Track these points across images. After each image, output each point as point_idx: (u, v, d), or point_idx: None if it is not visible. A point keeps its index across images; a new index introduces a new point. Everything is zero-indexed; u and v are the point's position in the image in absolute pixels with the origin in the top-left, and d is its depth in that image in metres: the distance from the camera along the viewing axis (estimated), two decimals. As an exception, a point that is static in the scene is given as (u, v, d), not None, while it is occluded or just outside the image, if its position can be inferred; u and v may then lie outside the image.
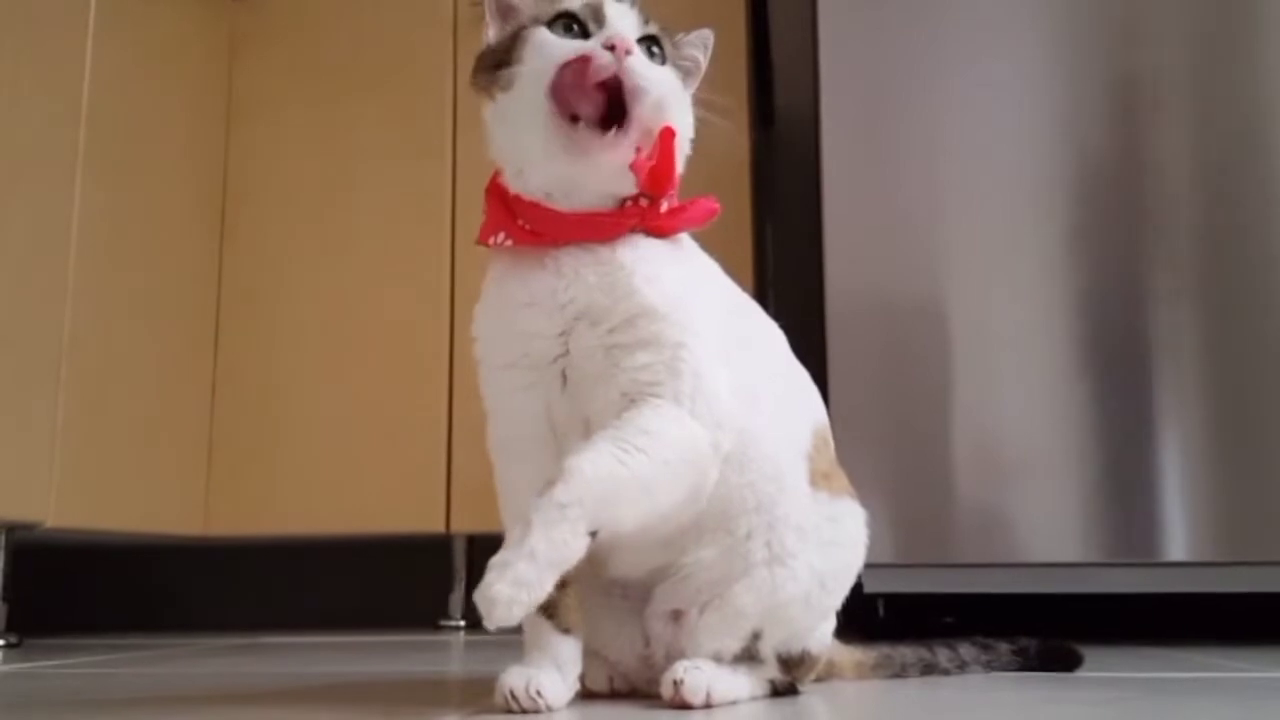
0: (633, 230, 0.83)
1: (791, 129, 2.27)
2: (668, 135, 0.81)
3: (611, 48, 0.78)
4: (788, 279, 2.16)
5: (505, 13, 0.86)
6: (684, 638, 0.85)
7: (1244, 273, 1.46)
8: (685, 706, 0.81)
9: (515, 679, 0.79)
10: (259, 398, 2.04)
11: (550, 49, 0.81)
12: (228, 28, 2.17)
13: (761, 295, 1.87)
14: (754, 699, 0.87)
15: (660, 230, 0.84)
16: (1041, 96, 1.55)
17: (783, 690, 0.89)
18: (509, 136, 0.84)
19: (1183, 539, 1.43)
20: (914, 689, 0.98)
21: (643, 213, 0.83)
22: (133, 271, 1.87)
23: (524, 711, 0.78)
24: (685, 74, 0.89)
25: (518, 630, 0.86)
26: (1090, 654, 1.09)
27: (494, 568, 0.71)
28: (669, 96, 0.81)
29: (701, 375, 0.81)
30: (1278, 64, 1.49)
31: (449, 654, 1.54)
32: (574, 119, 0.79)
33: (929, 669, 1.05)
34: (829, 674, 0.99)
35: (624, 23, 0.82)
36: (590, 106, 0.79)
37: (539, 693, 0.78)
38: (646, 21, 0.84)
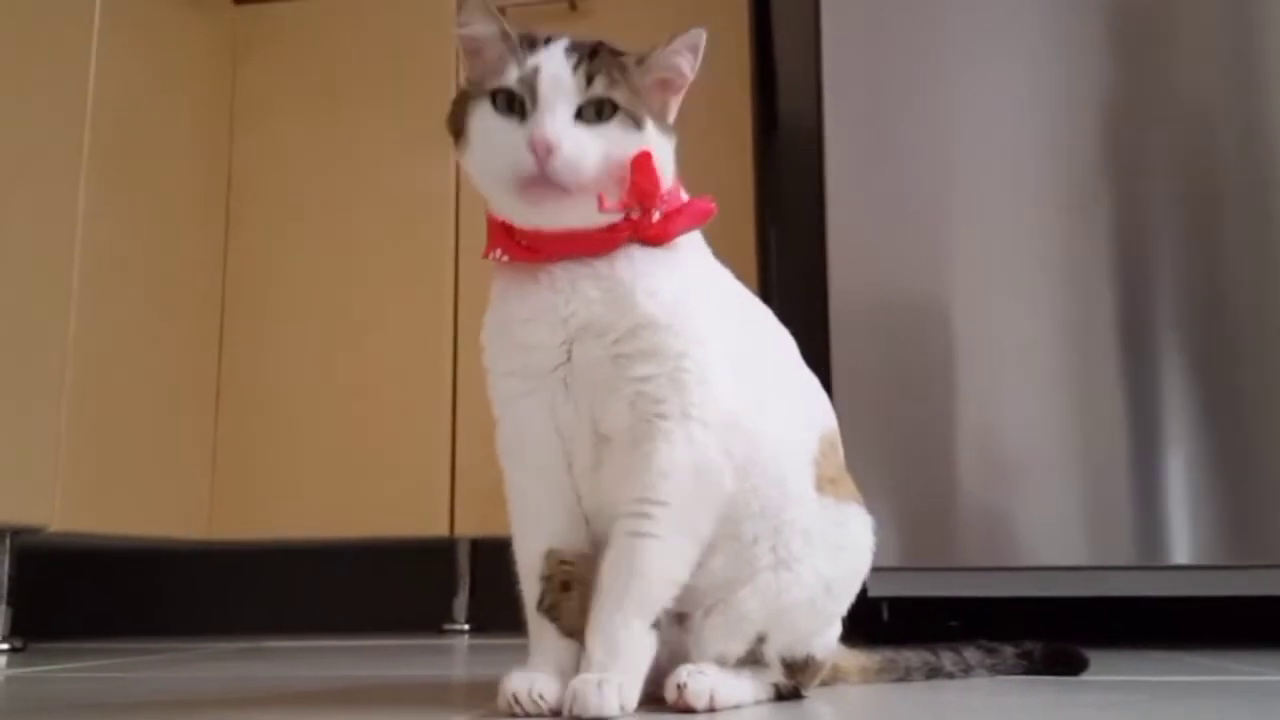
0: (628, 240, 0.83)
1: (795, 132, 2.27)
2: (642, 159, 0.81)
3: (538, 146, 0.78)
4: (791, 282, 2.16)
5: (474, 53, 0.86)
6: (689, 641, 0.85)
7: (1250, 274, 1.46)
8: (688, 710, 0.81)
9: (518, 682, 0.80)
10: (263, 402, 2.04)
11: (488, 134, 0.81)
12: (231, 31, 2.17)
13: (765, 298, 1.85)
14: (758, 703, 0.87)
15: (656, 239, 0.84)
16: (1045, 99, 1.55)
17: (786, 695, 0.89)
18: (478, 185, 0.85)
19: (1188, 542, 1.42)
20: (918, 693, 0.98)
21: (634, 225, 0.82)
22: (137, 275, 1.87)
23: (526, 715, 0.78)
24: (667, 87, 0.86)
25: (522, 634, 0.86)
26: (1096, 657, 1.08)
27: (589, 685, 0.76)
28: (615, 162, 0.80)
29: (707, 381, 0.82)
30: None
31: (453, 658, 1.53)
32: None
33: (933, 673, 1.05)
34: (833, 678, 0.99)
35: (558, 100, 0.79)
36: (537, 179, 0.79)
37: (541, 696, 0.79)
38: (591, 78, 0.80)
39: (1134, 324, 1.48)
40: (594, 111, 0.80)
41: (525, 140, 0.78)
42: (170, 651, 1.66)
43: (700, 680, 0.81)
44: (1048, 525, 1.45)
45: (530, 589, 0.85)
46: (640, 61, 0.84)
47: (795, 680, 0.89)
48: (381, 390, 2.00)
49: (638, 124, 0.81)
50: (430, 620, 2.05)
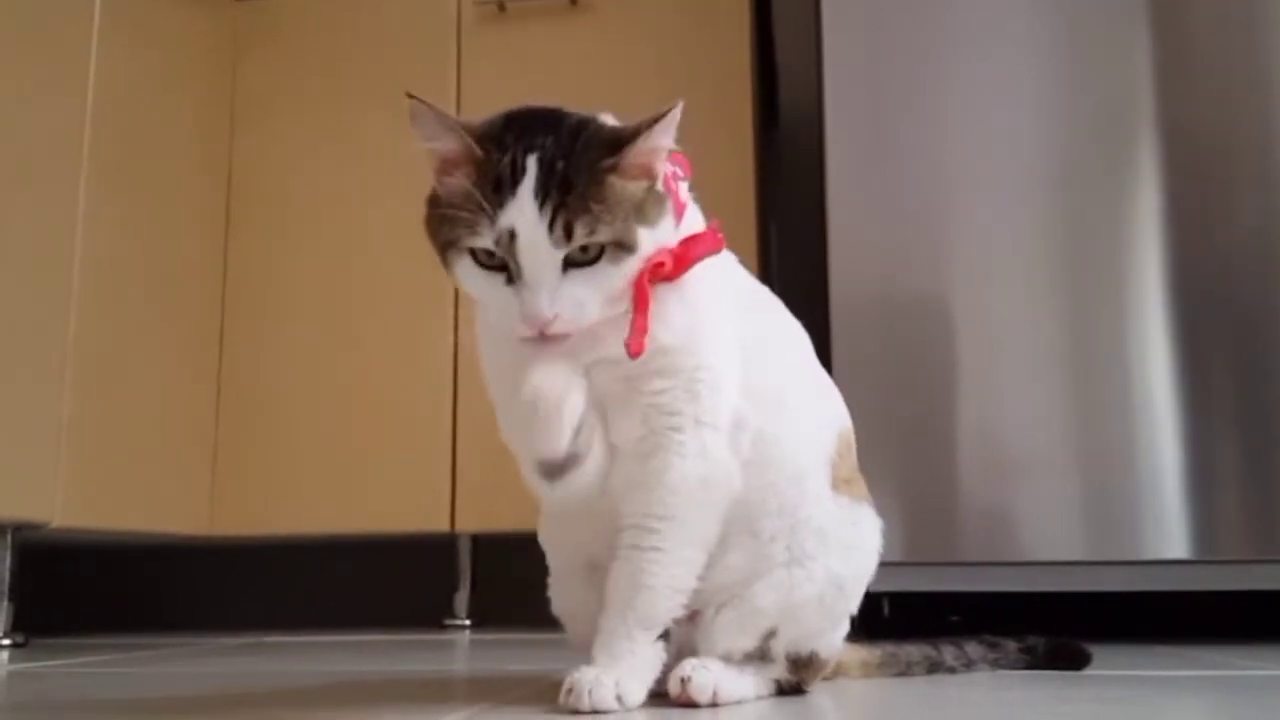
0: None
1: (796, 128, 2.26)
2: (641, 299, 0.78)
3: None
4: (792, 279, 2.16)
5: (441, 162, 0.83)
6: (697, 636, 0.86)
7: (1250, 272, 1.46)
8: (691, 705, 0.81)
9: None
10: (264, 397, 2.04)
11: (478, 289, 0.78)
12: (232, 29, 2.17)
13: (766, 294, 1.86)
14: (760, 699, 0.87)
15: (667, 280, 0.80)
16: (1045, 96, 1.54)
17: (789, 691, 0.89)
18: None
19: (1190, 537, 1.42)
20: (920, 687, 0.98)
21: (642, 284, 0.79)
22: (137, 272, 1.87)
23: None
24: (651, 164, 0.78)
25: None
26: (1098, 652, 1.08)
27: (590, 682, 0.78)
28: (616, 293, 0.77)
29: (719, 389, 0.82)
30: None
31: (454, 653, 1.54)
32: None
33: (935, 667, 1.05)
34: (835, 673, 0.99)
35: (542, 268, 0.74)
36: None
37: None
38: (570, 229, 0.74)
39: (1135, 319, 1.48)
40: (582, 255, 0.75)
41: (518, 310, 0.75)
42: (172, 647, 1.66)
43: (704, 675, 0.82)
44: (1049, 520, 1.45)
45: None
46: (617, 166, 0.76)
47: (799, 677, 0.89)
48: (382, 386, 2.00)
49: (631, 249, 0.76)
50: (431, 616, 2.05)
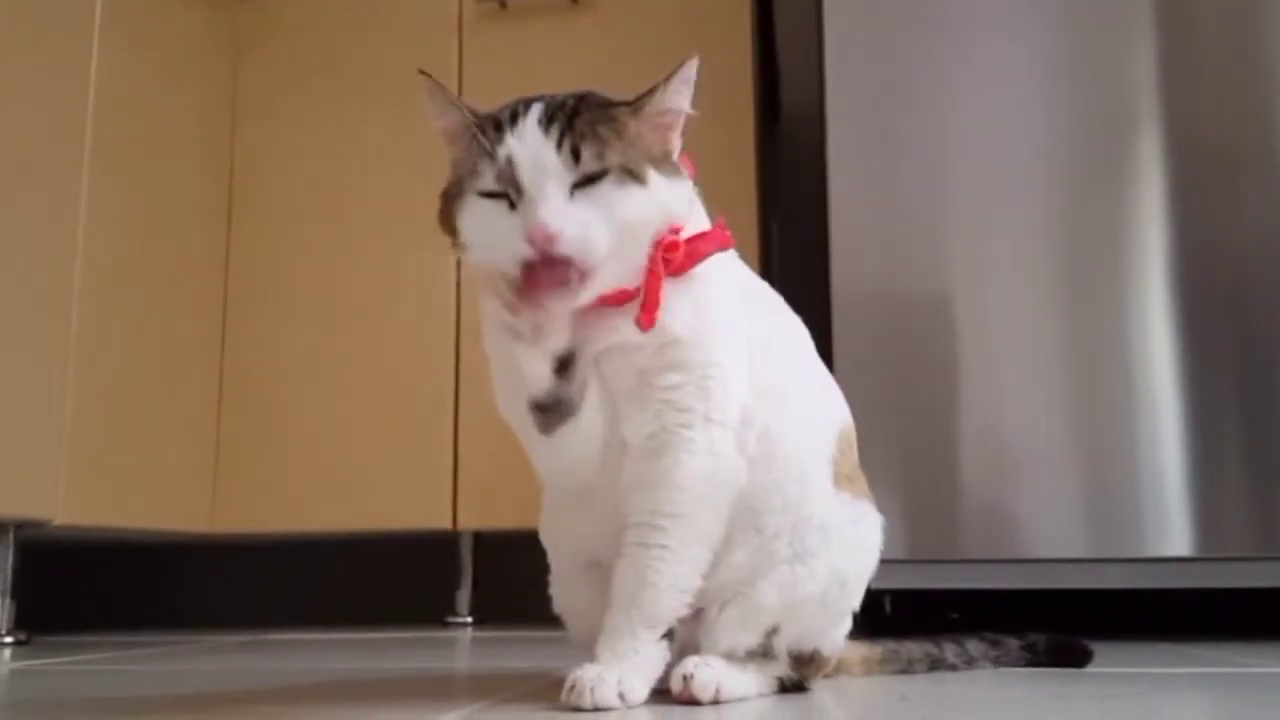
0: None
1: (797, 126, 2.26)
2: (654, 274, 0.78)
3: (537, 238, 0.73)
4: (793, 275, 2.16)
5: (452, 143, 0.83)
6: (700, 634, 0.86)
7: (1250, 271, 1.46)
8: (694, 702, 0.81)
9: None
10: (266, 395, 2.04)
11: (484, 228, 0.77)
12: (233, 27, 2.17)
13: (767, 292, 1.86)
14: (762, 696, 0.87)
15: (676, 274, 0.81)
16: (1047, 92, 1.54)
17: (790, 688, 0.89)
18: (483, 282, 0.82)
19: (1192, 534, 1.42)
20: (921, 685, 0.98)
21: (642, 293, 0.79)
22: (139, 270, 1.87)
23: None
24: (668, 126, 0.81)
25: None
26: (1100, 649, 1.08)
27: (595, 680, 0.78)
28: (627, 224, 0.75)
29: (729, 385, 0.82)
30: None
31: (456, 650, 1.54)
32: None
33: (936, 665, 1.05)
34: (836, 670, 0.99)
35: (546, 182, 0.74)
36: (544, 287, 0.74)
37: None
38: (578, 152, 0.74)
39: (1136, 316, 1.48)
40: (589, 185, 0.75)
41: (520, 228, 0.73)
42: (174, 644, 1.66)
43: (706, 672, 0.82)
44: (1050, 517, 1.45)
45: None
46: (636, 110, 0.79)
47: (801, 674, 0.89)
48: (384, 384, 2.00)
49: (639, 179, 0.76)
50: (433, 613, 2.05)
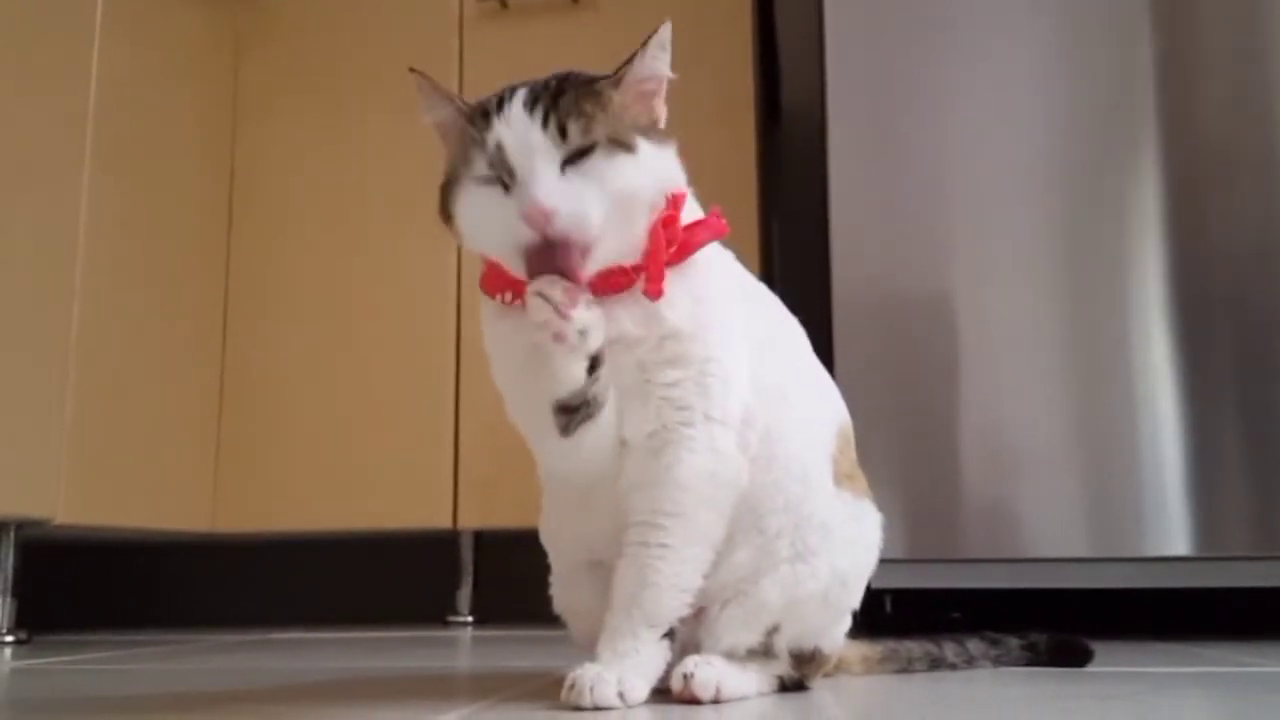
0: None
1: (798, 125, 2.26)
2: (656, 244, 0.78)
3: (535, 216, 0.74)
4: (794, 275, 2.16)
5: (444, 137, 0.84)
6: (701, 632, 0.86)
7: (1249, 269, 1.46)
8: (694, 701, 0.81)
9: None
10: (266, 394, 2.04)
11: (480, 215, 0.78)
12: (234, 26, 2.17)
13: (768, 291, 1.86)
14: (762, 695, 0.87)
15: (673, 261, 0.81)
16: (1048, 92, 1.54)
17: (791, 687, 0.89)
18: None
19: (1192, 533, 1.42)
20: (922, 684, 0.98)
21: (645, 265, 0.80)
22: (140, 269, 1.88)
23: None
24: (650, 95, 0.82)
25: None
26: (1100, 649, 1.08)
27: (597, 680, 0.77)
28: (620, 194, 0.76)
29: (730, 383, 0.82)
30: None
31: (456, 649, 1.54)
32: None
33: (936, 664, 1.05)
34: (836, 669, 0.99)
35: (536, 161, 0.75)
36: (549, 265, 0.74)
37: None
38: (564, 128, 0.75)
39: (1136, 316, 1.48)
40: (579, 159, 0.76)
41: (516, 209, 0.74)
42: (174, 644, 1.66)
43: (707, 671, 0.82)
44: (1050, 517, 1.45)
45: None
46: (617, 82, 0.80)
47: (801, 673, 0.89)
48: (384, 383, 2.00)
49: (628, 148, 0.77)
50: (434, 612, 2.05)
